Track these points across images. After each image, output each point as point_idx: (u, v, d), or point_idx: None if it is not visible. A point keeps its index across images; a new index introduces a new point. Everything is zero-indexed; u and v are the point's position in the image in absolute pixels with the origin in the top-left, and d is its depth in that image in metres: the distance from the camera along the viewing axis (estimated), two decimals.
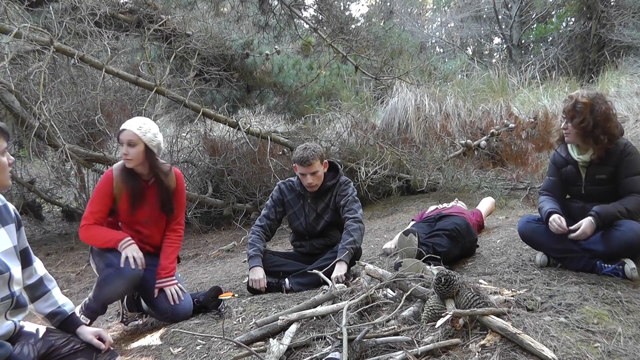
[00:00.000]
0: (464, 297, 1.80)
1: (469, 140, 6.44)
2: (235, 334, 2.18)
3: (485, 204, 4.00)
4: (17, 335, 1.63)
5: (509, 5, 15.45)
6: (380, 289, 2.24)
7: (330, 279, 2.53)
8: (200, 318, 2.53)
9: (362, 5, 22.29)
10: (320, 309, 2.08)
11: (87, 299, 2.42)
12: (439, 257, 2.49)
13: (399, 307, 1.93)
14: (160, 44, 6.83)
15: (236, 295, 2.85)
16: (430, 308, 1.84)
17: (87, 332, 1.79)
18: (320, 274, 2.51)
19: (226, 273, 3.80)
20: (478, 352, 1.60)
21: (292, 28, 8.01)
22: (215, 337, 2.10)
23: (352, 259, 2.77)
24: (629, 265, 2.25)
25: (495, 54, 19.74)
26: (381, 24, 12.96)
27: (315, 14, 8.92)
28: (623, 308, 1.91)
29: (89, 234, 2.43)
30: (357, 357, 1.68)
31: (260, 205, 5.75)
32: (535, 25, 15.58)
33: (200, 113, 5.61)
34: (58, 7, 5.25)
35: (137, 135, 2.39)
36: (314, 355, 1.73)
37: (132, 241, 2.41)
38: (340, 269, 2.64)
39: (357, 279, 2.58)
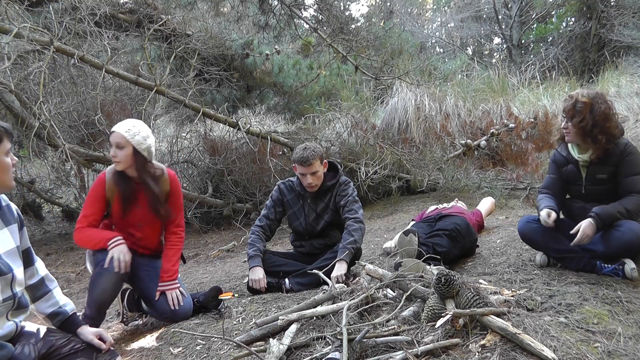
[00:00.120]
0: (464, 297, 1.80)
1: (469, 140, 6.44)
2: (235, 334, 2.18)
3: (485, 204, 4.00)
4: (18, 336, 1.63)
5: (509, 5, 15.45)
6: (380, 289, 2.24)
7: (330, 278, 2.54)
8: (200, 318, 2.53)
9: (362, 5, 22.32)
10: (320, 309, 2.08)
11: (83, 308, 2.40)
12: (439, 257, 2.49)
13: (399, 307, 1.93)
14: (160, 44, 6.83)
15: (236, 295, 2.85)
16: (430, 308, 1.84)
17: (88, 332, 1.79)
18: (320, 274, 2.51)
19: (226, 273, 3.80)
20: (478, 352, 1.60)
21: (292, 28, 8.01)
22: (215, 337, 2.10)
23: (352, 259, 2.77)
24: (629, 265, 2.25)
25: (495, 54, 19.74)
26: (381, 24, 12.97)
27: (315, 14, 8.92)
28: (623, 308, 1.91)
29: (82, 237, 2.42)
30: (357, 357, 1.68)
31: (260, 205, 5.75)
32: (535, 25, 15.58)
33: (200, 113, 5.61)
34: (58, 7, 5.25)
35: (125, 137, 2.35)
36: (314, 355, 1.73)
37: (121, 240, 2.37)
38: (340, 269, 2.63)
39: (357, 279, 2.59)
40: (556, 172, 2.63)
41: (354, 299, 2.07)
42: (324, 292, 2.27)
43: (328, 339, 1.83)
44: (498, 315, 1.74)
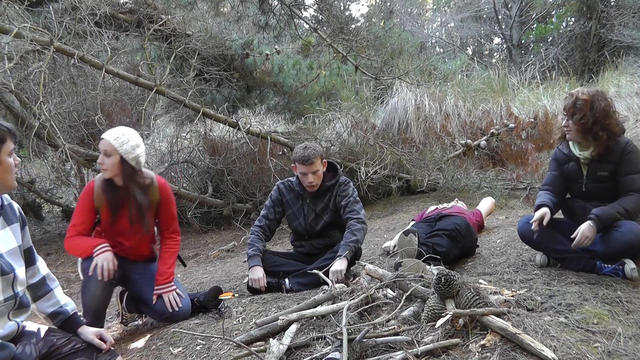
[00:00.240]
0: (464, 297, 1.80)
1: (469, 140, 6.44)
2: (235, 334, 2.18)
3: (485, 204, 4.00)
4: (19, 335, 1.63)
5: (509, 5, 15.44)
6: (380, 289, 2.24)
7: (329, 272, 2.54)
8: (200, 318, 2.53)
9: (362, 5, 22.31)
10: (320, 309, 2.08)
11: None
12: (439, 257, 2.49)
13: (399, 307, 1.93)
14: (160, 44, 6.84)
15: (236, 295, 2.85)
16: (430, 308, 1.84)
17: (89, 332, 1.80)
18: (320, 274, 2.51)
19: (226, 273, 3.80)
20: (478, 352, 1.60)
21: (292, 28, 8.01)
22: (215, 337, 2.10)
23: (352, 259, 2.76)
24: (629, 265, 2.25)
25: (495, 54, 19.74)
26: (381, 24, 12.97)
27: (315, 14, 8.92)
28: (623, 308, 1.91)
29: (70, 245, 2.41)
30: (357, 357, 1.68)
31: (260, 205, 5.75)
32: (535, 25, 15.57)
33: (200, 113, 5.61)
34: (58, 7, 5.25)
35: (113, 145, 2.31)
36: (314, 355, 1.73)
37: (106, 248, 2.34)
38: (339, 264, 2.63)
39: (357, 279, 2.59)
40: (557, 169, 2.63)
41: (354, 299, 2.07)
42: (324, 292, 2.27)
43: (328, 339, 1.83)
44: (498, 315, 1.74)
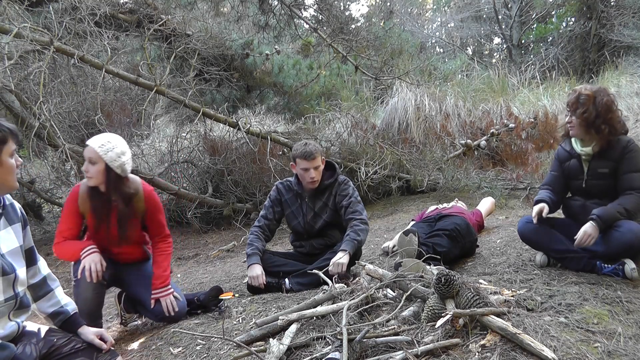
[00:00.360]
0: (464, 297, 1.80)
1: (469, 140, 6.44)
2: (235, 334, 2.18)
3: (485, 204, 4.00)
4: (19, 336, 1.63)
5: (509, 5, 15.44)
6: (380, 289, 2.24)
7: (331, 264, 2.58)
8: (200, 318, 2.53)
9: (362, 5, 22.31)
10: (320, 309, 2.08)
11: None
12: (439, 257, 2.49)
13: (399, 307, 1.93)
14: (160, 44, 6.84)
15: (236, 295, 2.85)
16: (430, 308, 1.84)
17: (89, 332, 1.80)
18: (320, 274, 2.51)
19: (226, 273, 3.80)
20: (478, 352, 1.60)
21: (292, 28, 8.01)
22: (215, 337, 2.10)
23: (352, 258, 2.76)
24: (629, 265, 2.25)
25: (495, 54, 19.73)
26: (381, 24, 12.97)
27: (315, 14, 8.93)
28: (623, 308, 1.91)
29: (60, 251, 2.40)
30: (357, 357, 1.68)
31: (260, 205, 5.75)
32: (535, 25, 15.57)
33: (200, 113, 5.60)
34: (58, 7, 5.25)
35: (98, 153, 2.26)
36: (314, 355, 1.73)
37: (93, 249, 2.32)
38: (342, 257, 2.63)
39: (357, 279, 2.59)
40: (558, 169, 2.65)
41: (354, 299, 2.08)
42: (324, 292, 2.27)
43: (328, 339, 1.83)
44: (498, 315, 1.74)
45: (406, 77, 7.13)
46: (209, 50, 6.94)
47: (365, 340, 1.72)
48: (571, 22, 14.78)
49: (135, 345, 2.36)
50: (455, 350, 1.64)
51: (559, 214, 2.78)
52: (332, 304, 2.15)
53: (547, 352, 1.51)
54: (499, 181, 5.66)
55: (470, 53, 19.30)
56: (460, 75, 9.58)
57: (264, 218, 3.07)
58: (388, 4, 19.29)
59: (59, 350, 1.69)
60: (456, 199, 4.21)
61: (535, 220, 2.48)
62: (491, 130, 6.41)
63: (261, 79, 7.87)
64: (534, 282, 2.24)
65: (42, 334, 1.70)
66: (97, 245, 2.37)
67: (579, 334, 1.68)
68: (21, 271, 1.62)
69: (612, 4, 12.46)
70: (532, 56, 14.54)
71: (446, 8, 20.75)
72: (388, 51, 8.06)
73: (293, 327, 1.95)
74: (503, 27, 15.86)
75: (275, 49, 7.48)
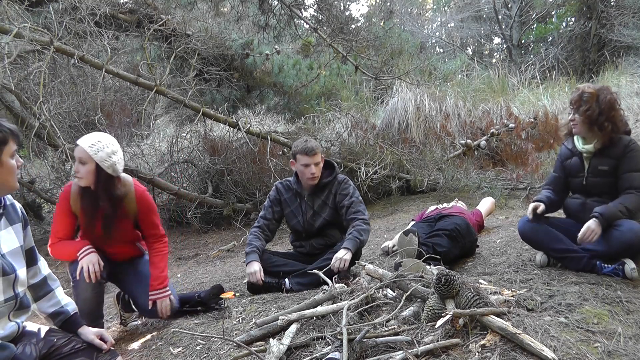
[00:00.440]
0: (464, 297, 1.80)
1: (469, 140, 6.43)
2: (235, 334, 2.18)
3: (485, 204, 4.00)
4: (20, 336, 1.63)
5: (509, 5, 15.44)
6: (380, 289, 2.24)
7: (331, 270, 2.58)
8: (200, 318, 2.53)
9: (362, 5, 22.29)
10: (320, 309, 2.08)
11: None
12: (439, 257, 2.49)
13: (399, 307, 1.93)
14: (160, 44, 6.83)
15: (237, 295, 2.85)
16: (430, 308, 1.84)
17: (89, 332, 1.80)
18: (320, 274, 2.51)
19: (226, 273, 3.80)
20: (478, 352, 1.60)
21: (292, 28, 8.00)
22: (215, 337, 2.10)
23: (352, 258, 2.76)
24: (629, 265, 2.25)
25: (495, 54, 19.73)
26: (381, 24, 12.95)
27: (315, 14, 8.92)
28: (623, 308, 1.91)
29: (56, 251, 2.38)
30: (357, 357, 1.68)
31: (260, 205, 5.75)
32: (535, 25, 15.57)
33: (200, 113, 5.60)
34: (58, 7, 5.25)
35: (88, 153, 2.20)
36: (314, 355, 1.73)
37: (90, 250, 2.29)
38: (345, 253, 2.64)
39: (357, 279, 2.59)
40: (559, 169, 2.68)
41: (354, 299, 2.08)
42: (324, 292, 2.27)
43: (328, 339, 1.83)
44: (498, 315, 1.74)
45: (406, 77, 7.13)
46: (209, 50, 6.93)
47: (365, 340, 1.72)
48: (571, 22, 14.78)
49: (136, 345, 2.36)
50: (455, 350, 1.64)
51: (560, 213, 2.79)
52: (332, 304, 2.15)
53: (547, 352, 1.51)
54: (499, 181, 5.66)
55: (470, 53, 19.29)
56: (460, 75, 9.58)
57: (263, 218, 3.07)
58: (388, 4, 19.29)
59: (59, 350, 1.69)
60: (456, 199, 4.20)
61: (530, 217, 2.51)
62: (491, 130, 6.41)
63: (261, 79, 7.87)
64: (534, 282, 2.24)
65: (42, 334, 1.70)
66: (91, 244, 2.35)
67: (579, 334, 1.68)
68: (21, 271, 1.62)
69: (612, 4, 12.46)
70: (532, 56, 14.54)
71: (446, 8, 20.75)
72: (388, 51, 8.06)
73: (293, 327, 1.95)
74: (503, 27, 15.86)
75: (275, 49, 7.47)
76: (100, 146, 2.24)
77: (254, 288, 2.84)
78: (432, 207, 3.77)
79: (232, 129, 5.98)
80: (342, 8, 17.22)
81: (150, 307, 2.45)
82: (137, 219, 2.47)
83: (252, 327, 2.12)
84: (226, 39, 7.35)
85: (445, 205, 3.80)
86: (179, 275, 4.16)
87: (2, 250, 1.58)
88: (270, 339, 1.85)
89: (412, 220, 3.72)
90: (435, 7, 22.40)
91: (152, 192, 6.03)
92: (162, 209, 6.36)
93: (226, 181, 6.10)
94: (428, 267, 2.27)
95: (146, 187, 2.59)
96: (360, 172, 5.57)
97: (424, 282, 2.10)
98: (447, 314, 1.70)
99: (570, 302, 1.94)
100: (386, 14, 16.75)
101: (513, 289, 2.15)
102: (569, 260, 2.42)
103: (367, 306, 2.06)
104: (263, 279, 2.79)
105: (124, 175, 2.40)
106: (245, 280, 3.04)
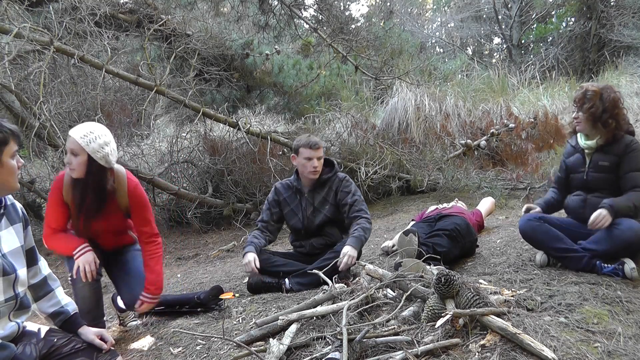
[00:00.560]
0: (464, 297, 1.80)
1: (469, 140, 6.44)
2: (235, 334, 2.18)
3: (485, 204, 4.00)
4: (20, 336, 1.63)
5: (509, 5, 15.44)
6: (380, 289, 2.24)
7: (339, 257, 2.62)
8: (200, 318, 2.53)
9: (362, 5, 22.25)
10: (320, 309, 2.08)
11: None
12: (439, 257, 2.49)
13: (399, 307, 1.93)
14: (160, 44, 6.83)
15: (236, 295, 2.85)
16: (430, 308, 1.84)
17: (89, 332, 1.80)
18: (320, 274, 2.51)
19: (226, 273, 3.80)
20: (478, 352, 1.60)
21: (292, 28, 8.00)
22: (215, 337, 2.10)
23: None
24: (629, 265, 2.26)
25: (495, 54, 19.73)
26: (381, 24, 12.95)
27: (315, 14, 8.91)
28: (623, 308, 1.91)
29: (51, 244, 2.35)
30: (357, 357, 1.68)
31: (260, 205, 5.75)
32: (535, 25, 15.57)
33: (200, 113, 5.60)
34: (58, 7, 5.25)
35: (79, 144, 2.14)
36: (314, 355, 1.73)
37: (86, 248, 2.26)
38: (351, 250, 2.66)
39: (357, 279, 2.59)
40: (563, 170, 2.73)
41: (354, 299, 2.08)
42: (324, 292, 2.27)
43: (328, 339, 1.83)
44: (498, 315, 1.74)
45: (406, 77, 7.13)
46: (209, 50, 6.93)
47: (365, 340, 1.72)
48: (571, 22, 14.78)
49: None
50: (455, 350, 1.64)
51: (560, 213, 2.79)
52: (332, 304, 2.15)
53: (547, 352, 1.51)
54: (499, 181, 5.66)
55: (470, 53, 19.29)
56: (460, 75, 9.58)
57: (261, 221, 3.11)
58: (388, 4, 19.28)
59: (59, 351, 1.69)
60: (456, 199, 4.21)
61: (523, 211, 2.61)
62: (491, 130, 6.41)
63: (261, 79, 7.86)
64: (534, 282, 2.24)
65: (42, 334, 1.70)
66: (81, 235, 2.33)
67: (579, 334, 1.68)
68: (22, 271, 1.62)
69: (612, 4, 12.46)
70: (532, 56, 14.54)
71: (446, 8, 20.75)
72: (388, 51, 8.06)
73: (293, 327, 1.95)
74: (503, 27, 15.86)
75: (275, 49, 7.47)
76: (93, 137, 2.18)
77: (254, 288, 2.84)
78: (432, 207, 3.77)
79: (232, 129, 5.98)
80: (342, 8, 17.21)
81: (138, 306, 2.39)
82: (129, 213, 2.41)
83: (252, 327, 2.12)
84: (226, 39, 7.34)
85: (445, 205, 3.80)
86: (179, 275, 4.16)
87: (3, 250, 1.58)
88: (270, 339, 1.86)
89: (412, 220, 3.72)
90: (435, 7, 22.39)
91: (152, 192, 6.04)
92: (162, 209, 6.37)
93: (226, 181, 6.10)
94: (428, 267, 2.27)
95: (139, 182, 2.54)
96: (360, 172, 5.57)
97: (424, 282, 2.10)
98: (447, 314, 1.70)
99: (570, 302, 1.94)
100: (386, 14, 16.75)
101: (513, 289, 2.15)
102: (569, 260, 2.42)
103: (367, 306, 2.06)
104: (258, 266, 2.78)
105: (117, 166, 2.34)
106: (245, 281, 3.04)
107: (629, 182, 2.41)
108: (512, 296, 2.04)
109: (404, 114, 6.88)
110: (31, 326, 1.71)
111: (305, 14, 8.51)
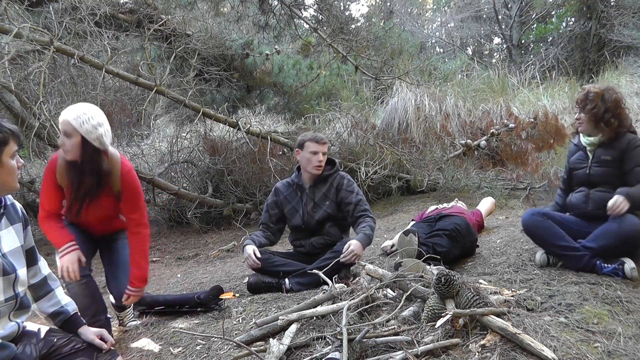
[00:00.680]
0: (464, 297, 1.80)
1: (469, 140, 6.44)
2: (235, 334, 2.18)
3: (485, 204, 4.01)
4: (20, 336, 1.63)
5: (509, 5, 15.44)
6: (380, 289, 2.24)
7: (339, 262, 2.63)
8: (200, 318, 2.53)
9: (362, 5, 22.26)
10: (320, 309, 2.08)
11: None
12: (439, 257, 2.49)
13: (399, 307, 1.93)
14: (160, 44, 6.83)
15: (236, 295, 2.85)
16: (430, 308, 1.84)
17: (89, 332, 1.80)
18: (320, 274, 2.51)
19: (226, 273, 3.80)
20: (478, 352, 1.60)
21: (292, 28, 8.01)
22: (215, 337, 2.10)
23: None
24: (629, 265, 2.26)
25: (495, 54, 19.73)
26: (381, 24, 12.95)
27: (315, 14, 8.91)
28: (623, 308, 1.91)
29: (44, 228, 2.32)
30: (357, 357, 1.68)
31: (260, 205, 5.75)
32: (535, 25, 15.57)
33: (200, 113, 5.61)
34: (58, 7, 5.25)
35: (73, 125, 2.10)
36: (314, 355, 1.73)
37: (71, 247, 2.22)
38: (358, 245, 2.68)
39: (357, 279, 2.59)
40: (567, 171, 2.76)
41: (354, 299, 2.08)
42: (324, 292, 2.27)
43: (328, 339, 1.83)
44: (498, 315, 1.74)
45: (406, 77, 7.13)
46: (209, 50, 6.94)
47: (365, 340, 1.72)
48: (571, 22, 14.78)
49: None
50: (455, 350, 1.64)
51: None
52: (332, 304, 2.15)
53: (547, 352, 1.51)
54: (499, 181, 5.67)
55: (470, 53, 19.29)
56: (460, 75, 9.58)
57: (262, 223, 3.15)
58: (388, 4, 19.28)
59: (59, 350, 1.69)
60: (456, 199, 4.20)
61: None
62: (491, 130, 6.41)
63: (261, 79, 7.87)
64: (534, 282, 2.24)
65: (42, 334, 1.70)
66: (75, 218, 2.32)
67: (579, 334, 1.68)
68: (22, 271, 1.62)
69: (612, 4, 12.47)
70: (532, 56, 14.54)
71: (446, 8, 20.74)
72: (388, 51, 8.06)
73: (293, 327, 1.95)
74: (503, 27, 15.86)
75: (275, 49, 7.47)
76: (86, 118, 2.13)
77: (254, 288, 2.84)
78: (432, 207, 3.77)
79: (232, 129, 5.98)
80: (342, 8, 17.20)
81: (124, 299, 2.38)
82: (119, 197, 2.36)
83: (252, 327, 2.12)
84: (226, 39, 7.34)
85: (445, 205, 3.80)
86: (179, 275, 4.16)
87: (3, 250, 1.58)
88: (270, 339, 1.86)
89: (412, 220, 3.72)
90: (435, 7, 22.39)
91: (152, 192, 6.04)
92: (162, 209, 6.37)
93: (226, 181, 6.10)
94: (428, 267, 2.27)
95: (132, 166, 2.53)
96: (360, 172, 5.57)
97: (424, 282, 2.10)
98: (447, 314, 1.70)
99: (570, 302, 1.94)
100: (386, 14, 16.76)
101: (513, 289, 2.15)
102: (569, 258, 2.42)
103: (367, 306, 2.06)
104: (259, 255, 2.80)
105: (111, 149, 2.29)
106: (245, 281, 3.04)
107: (636, 176, 2.43)
108: (512, 296, 2.04)
109: (404, 114, 6.87)
110: (31, 326, 1.71)
111: (305, 14, 8.52)
